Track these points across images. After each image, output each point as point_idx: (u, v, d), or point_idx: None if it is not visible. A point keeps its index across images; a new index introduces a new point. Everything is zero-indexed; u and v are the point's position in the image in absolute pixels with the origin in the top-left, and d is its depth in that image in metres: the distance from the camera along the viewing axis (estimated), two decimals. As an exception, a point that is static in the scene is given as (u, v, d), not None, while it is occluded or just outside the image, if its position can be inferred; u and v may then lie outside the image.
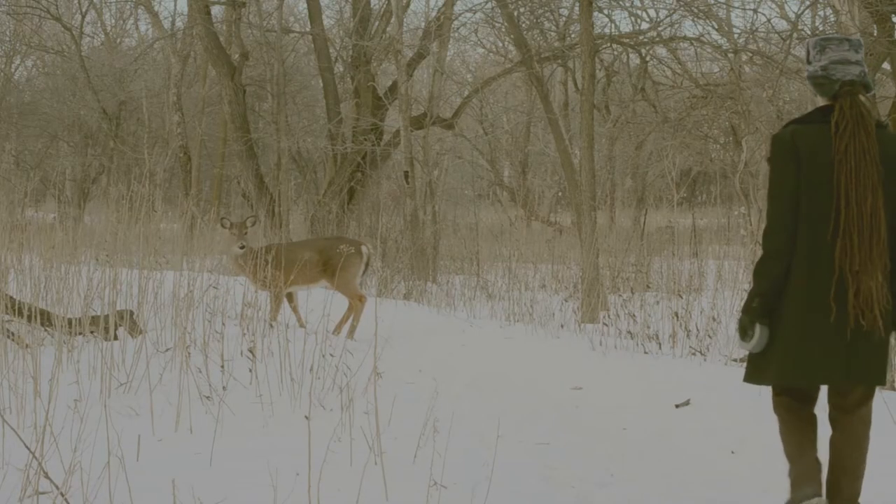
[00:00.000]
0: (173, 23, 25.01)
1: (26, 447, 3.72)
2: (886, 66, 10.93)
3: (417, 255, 14.10)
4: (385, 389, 5.54)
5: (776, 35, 14.29)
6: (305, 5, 19.02)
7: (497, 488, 4.21)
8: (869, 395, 3.87)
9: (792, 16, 14.69)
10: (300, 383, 5.94)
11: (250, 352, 6.29)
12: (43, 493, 3.72)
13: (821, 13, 13.56)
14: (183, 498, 3.85)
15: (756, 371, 3.86)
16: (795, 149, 3.72)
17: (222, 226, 8.90)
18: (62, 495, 3.64)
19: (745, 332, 3.79)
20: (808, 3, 12.45)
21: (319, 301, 8.84)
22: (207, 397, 5.68)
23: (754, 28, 15.20)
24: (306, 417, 4.74)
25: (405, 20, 17.55)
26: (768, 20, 23.50)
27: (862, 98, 3.79)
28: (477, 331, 8.99)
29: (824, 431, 3.98)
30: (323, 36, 17.56)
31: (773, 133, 4.00)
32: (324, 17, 18.37)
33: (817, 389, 3.95)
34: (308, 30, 18.59)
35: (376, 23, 17.75)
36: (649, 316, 9.20)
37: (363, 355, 6.48)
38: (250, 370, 6.15)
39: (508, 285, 11.89)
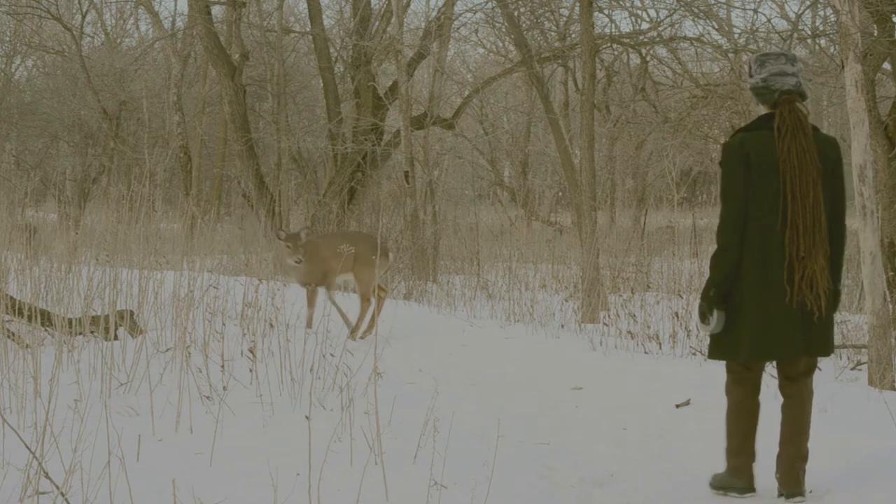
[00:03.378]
0: (173, 23, 25.03)
1: (26, 447, 3.72)
2: (886, 65, 10.92)
3: (418, 255, 14.10)
4: (385, 389, 5.53)
5: (776, 35, 14.29)
6: (305, 5, 19.03)
7: (497, 488, 4.21)
8: (813, 366, 4.44)
9: (792, 16, 14.70)
10: (300, 383, 5.95)
11: (250, 352, 6.30)
12: (43, 493, 3.73)
13: (821, 13, 13.57)
14: (183, 498, 3.85)
15: (721, 349, 4.37)
16: (745, 154, 4.22)
17: (277, 237, 8.88)
18: (62, 495, 3.64)
19: (704, 316, 4.34)
20: (808, 3, 12.44)
21: (319, 301, 8.86)
22: (207, 397, 5.69)
23: (754, 28, 15.20)
24: (306, 417, 4.74)
25: (405, 20, 17.55)
26: (768, 20, 23.51)
27: (798, 105, 4.28)
28: (477, 331, 8.99)
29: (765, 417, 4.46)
30: (323, 36, 17.56)
31: (725, 141, 4.46)
32: (324, 17, 18.36)
33: (762, 371, 4.44)
34: (308, 30, 18.58)
35: (376, 23, 17.74)
36: (649, 316, 9.20)
37: (363, 355, 6.48)
38: (250, 370, 6.15)
39: (509, 285, 11.89)
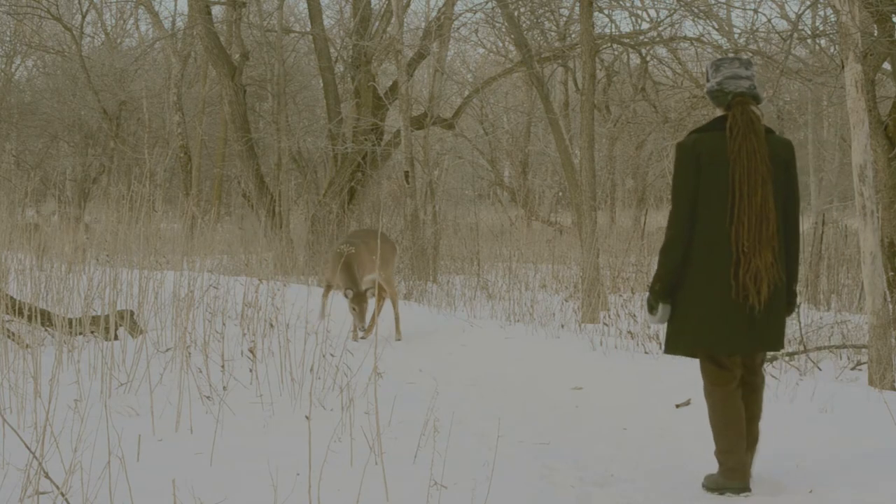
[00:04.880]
0: (174, 23, 25.03)
1: (27, 447, 3.72)
2: (887, 65, 10.91)
3: (418, 255, 14.10)
4: (385, 389, 5.53)
5: (776, 35, 14.27)
6: (306, 5, 19.03)
7: (497, 488, 4.21)
8: (765, 358, 4.62)
9: (792, 16, 14.69)
10: (300, 383, 5.95)
11: (250, 352, 6.30)
12: (43, 493, 3.73)
13: (821, 13, 13.55)
14: (183, 498, 3.85)
15: (672, 344, 4.52)
16: (697, 154, 4.37)
17: (345, 296, 8.71)
18: (62, 495, 3.64)
19: (651, 308, 4.50)
20: (808, 3, 12.42)
21: (320, 301, 8.87)
22: (208, 397, 5.69)
23: (755, 28, 15.19)
24: (306, 417, 4.74)
25: (405, 20, 17.54)
26: (768, 20, 23.49)
27: (752, 107, 4.43)
28: (477, 331, 8.99)
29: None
30: (323, 36, 17.56)
31: (678, 141, 4.54)
32: (324, 17, 18.36)
33: (738, 366, 4.49)
34: (308, 30, 18.58)
35: (377, 23, 17.74)
36: (649, 316, 9.17)
37: (363, 355, 6.48)
38: (250, 370, 6.15)
39: (509, 285, 11.89)
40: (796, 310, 8.58)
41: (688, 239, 4.37)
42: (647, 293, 4.55)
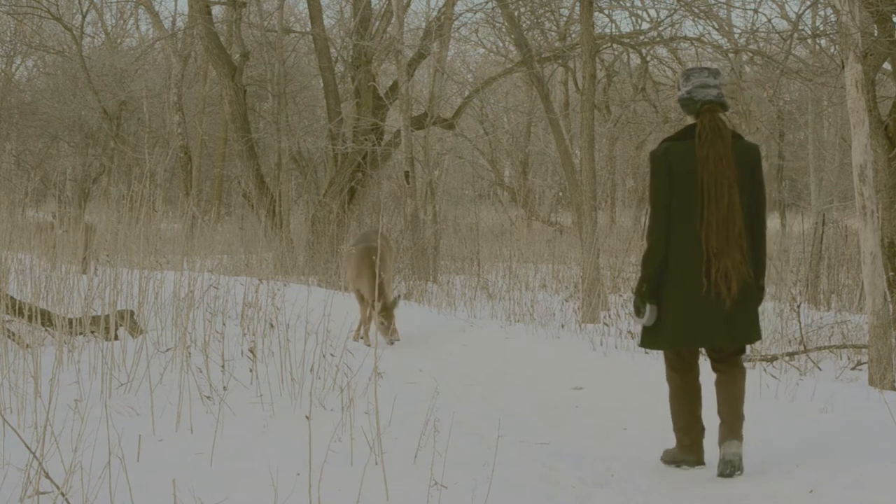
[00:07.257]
0: (174, 23, 25.06)
1: (27, 447, 3.72)
2: (887, 65, 10.91)
3: (418, 255, 14.10)
4: (385, 389, 5.53)
5: (777, 35, 14.28)
6: (306, 5, 19.02)
7: (497, 488, 4.21)
8: (741, 349, 4.81)
9: (792, 16, 14.70)
10: (300, 383, 5.95)
11: (251, 352, 6.29)
12: (43, 492, 3.73)
13: (821, 13, 13.55)
14: (183, 498, 3.85)
15: (649, 339, 4.77)
16: (668, 162, 4.62)
17: (371, 307, 8.63)
18: (63, 495, 3.64)
19: (638, 310, 4.72)
20: (808, 3, 12.43)
21: (320, 301, 8.86)
22: (208, 397, 5.69)
23: (755, 28, 15.21)
24: (307, 417, 4.74)
25: (406, 20, 17.54)
26: (769, 20, 23.50)
27: (720, 115, 4.68)
28: (477, 331, 8.98)
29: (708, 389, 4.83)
30: (323, 36, 17.56)
31: (651, 150, 4.80)
32: (324, 17, 18.36)
33: (697, 356, 4.83)
34: (308, 30, 18.58)
35: (377, 23, 17.74)
36: (650, 316, 9.17)
37: (363, 355, 6.48)
38: (251, 370, 6.15)
39: (509, 285, 11.89)
40: (797, 310, 8.61)
41: (668, 239, 4.62)
42: (633, 296, 4.78)
